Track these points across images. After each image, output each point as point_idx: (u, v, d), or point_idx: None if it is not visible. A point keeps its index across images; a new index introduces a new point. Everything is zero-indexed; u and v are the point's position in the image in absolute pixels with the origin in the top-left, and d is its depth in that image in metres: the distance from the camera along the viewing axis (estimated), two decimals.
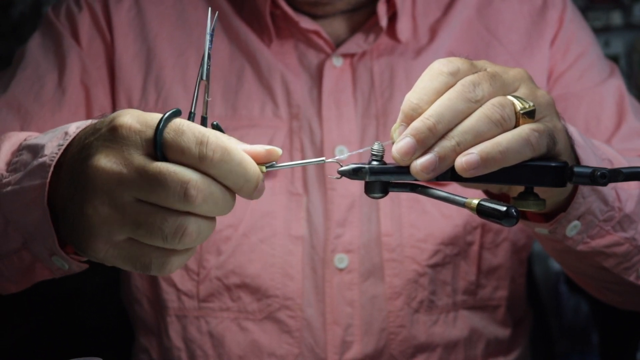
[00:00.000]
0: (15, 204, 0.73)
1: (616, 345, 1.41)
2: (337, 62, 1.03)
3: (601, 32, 2.86)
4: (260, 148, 0.64)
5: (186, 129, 0.61)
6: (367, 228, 1.01)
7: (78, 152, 0.66)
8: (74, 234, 0.65)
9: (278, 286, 1.00)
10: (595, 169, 0.66)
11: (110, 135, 0.62)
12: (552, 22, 1.08)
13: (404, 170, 0.66)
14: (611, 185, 0.82)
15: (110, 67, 1.04)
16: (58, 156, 0.69)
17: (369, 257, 1.00)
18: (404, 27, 1.04)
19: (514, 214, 0.61)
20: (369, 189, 0.67)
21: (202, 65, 0.65)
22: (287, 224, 1.00)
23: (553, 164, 0.66)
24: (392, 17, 1.03)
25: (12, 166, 0.75)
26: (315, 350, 1.00)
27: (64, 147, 0.69)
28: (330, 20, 1.05)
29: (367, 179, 0.66)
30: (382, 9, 1.01)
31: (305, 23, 1.02)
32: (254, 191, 0.63)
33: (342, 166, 0.66)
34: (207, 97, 0.66)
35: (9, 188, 0.73)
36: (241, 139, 0.99)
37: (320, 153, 1.01)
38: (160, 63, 1.04)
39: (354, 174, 0.65)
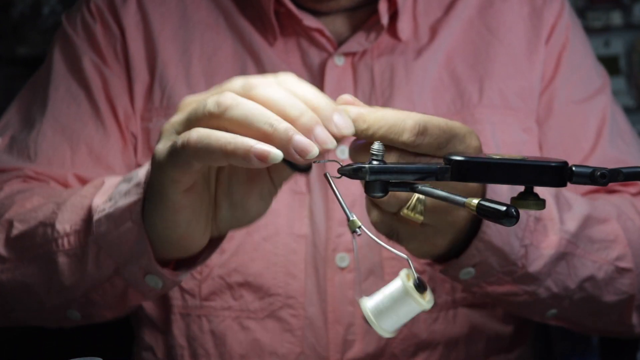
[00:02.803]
0: (109, 226, 0.76)
1: (616, 345, 1.41)
2: (339, 61, 1.03)
3: (601, 32, 2.87)
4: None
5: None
6: (367, 224, 1.00)
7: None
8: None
9: (280, 285, 1.00)
10: (595, 169, 0.66)
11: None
12: (547, 25, 1.08)
13: (404, 170, 0.66)
14: (527, 241, 0.82)
15: (127, 71, 1.05)
16: (149, 174, 0.73)
17: (369, 256, 1.00)
18: (404, 25, 1.04)
19: (514, 213, 0.61)
20: (369, 189, 0.67)
21: None
22: (290, 223, 1.00)
23: (553, 164, 0.66)
24: (393, 16, 1.04)
25: (109, 199, 0.79)
26: (317, 349, 1.00)
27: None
28: (332, 18, 1.05)
29: (367, 179, 0.66)
30: (383, 7, 1.02)
31: (309, 21, 1.03)
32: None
33: (342, 166, 0.66)
34: None
35: (104, 213, 0.77)
36: None
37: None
38: (163, 62, 1.04)
39: (354, 173, 0.66)
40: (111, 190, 0.81)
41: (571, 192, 0.92)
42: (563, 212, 0.87)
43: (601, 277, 0.89)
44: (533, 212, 0.83)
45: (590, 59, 1.12)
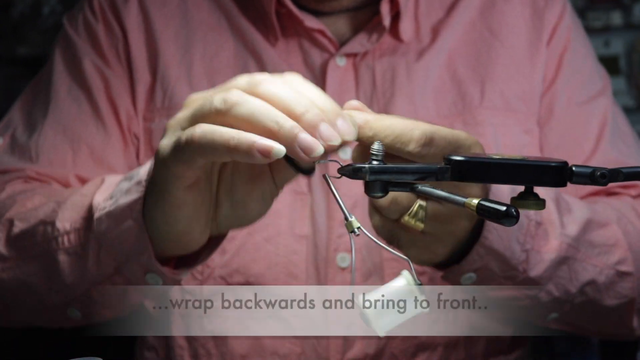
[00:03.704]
0: (109, 224, 0.77)
1: (616, 345, 1.41)
2: (340, 61, 1.03)
3: (601, 32, 2.87)
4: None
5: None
6: (368, 227, 1.01)
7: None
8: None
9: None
10: (595, 169, 0.66)
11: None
12: (548, 27, 1.08)
13: (404, 170, 0.66)
14: (528, 245, 0.82)
15: (130, 72, 1.06)
16: (152, 171, 0.73)
17: (370, 257, 1.00)
18: (406, 26, 1.04)
19: (514, 213, 0.61)
20: (369, 189, 0.67)
21: None
22: (291, 223, 1.00)
23: (553, 164, 0.66)
24: (395, 17, 1.04)
25: (110, 195, 0.79)
26: (317, 350, 1.00)
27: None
28: (334, 19, 1.05)
29: (367, 179, 0.66)
30: (385, 8, 1.02)
31: (310, 22, 1.03)
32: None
33: (342, 166, 0.66)
34: None
35: (104, 211, 0.77)
36: None
37: (323, 153, 1.01)
38: (165, 62, 1.05)
39: (354, 173, 0.66)
40: (112, 189, 0.81)
41: (570, 196, 0.92)
42: (563, 215, 0.87)
43: (602, 281, 0.89)
44: (534, 217, 0.83)
45: (591, 61, 1.12)
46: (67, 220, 0.84)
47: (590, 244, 0.88)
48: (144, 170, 0.76)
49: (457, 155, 0.66)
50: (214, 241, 0.80)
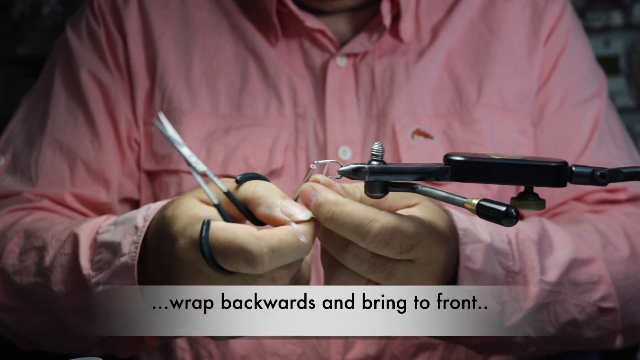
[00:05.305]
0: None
1: None
2: (340, 61, 1.03)
3: (601, 32, 2.87)
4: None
5: (229, 253, 0.64)
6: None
7: (157, 260, 0.72)
8: None
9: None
10: (595, 169, 0.66)
11: (179, 264, 0.68)
12: (547, 26, 1.08)
13: (404, 170, 0.66)
14: (504, 297, 0.80)
15: (129, 77, 1.06)
16: (137, 255, 0.74)
17: None
18: (407, 26, 1.04)
19: (514, 213, 0.61)
20: (369, 189, 0.67)
21: (190, 165, 0.67)
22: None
23: (553, 164, 0.66)
24: (396, 17, 1.04)
25: (95, 265, 0.79)
26: (318, 350, 1.00)
27: (140, 245, 0.74)
28: (334, 19, 1.05)
29: (367, 179, 0.66)
30: (385, 8, 1.02)
31: (311, 22, 1.03)
32: (307, 252, 0.67)
33: (342, 166, 0.66)
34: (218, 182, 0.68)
35: (101, 287, 0.78)
36: (246, 138, 1.02)
37: (323, 153, 1.01)
38: (163, 65, 1.05)
39: (354, 173, 0.66)
40: (90, 254, 0.81)
41: (556, 227, 0.91)
42: (545, 258, 0.85)
43: (583, 319, 0.88)
44: (511, 265, 0.81)
45: (588, 62, 1.11)
46: (61, 284, 0.84)
47: (572, 283, 0.87)
48: (127, 245, 0.75)
49: (457, 155, 0.66)
50: None
